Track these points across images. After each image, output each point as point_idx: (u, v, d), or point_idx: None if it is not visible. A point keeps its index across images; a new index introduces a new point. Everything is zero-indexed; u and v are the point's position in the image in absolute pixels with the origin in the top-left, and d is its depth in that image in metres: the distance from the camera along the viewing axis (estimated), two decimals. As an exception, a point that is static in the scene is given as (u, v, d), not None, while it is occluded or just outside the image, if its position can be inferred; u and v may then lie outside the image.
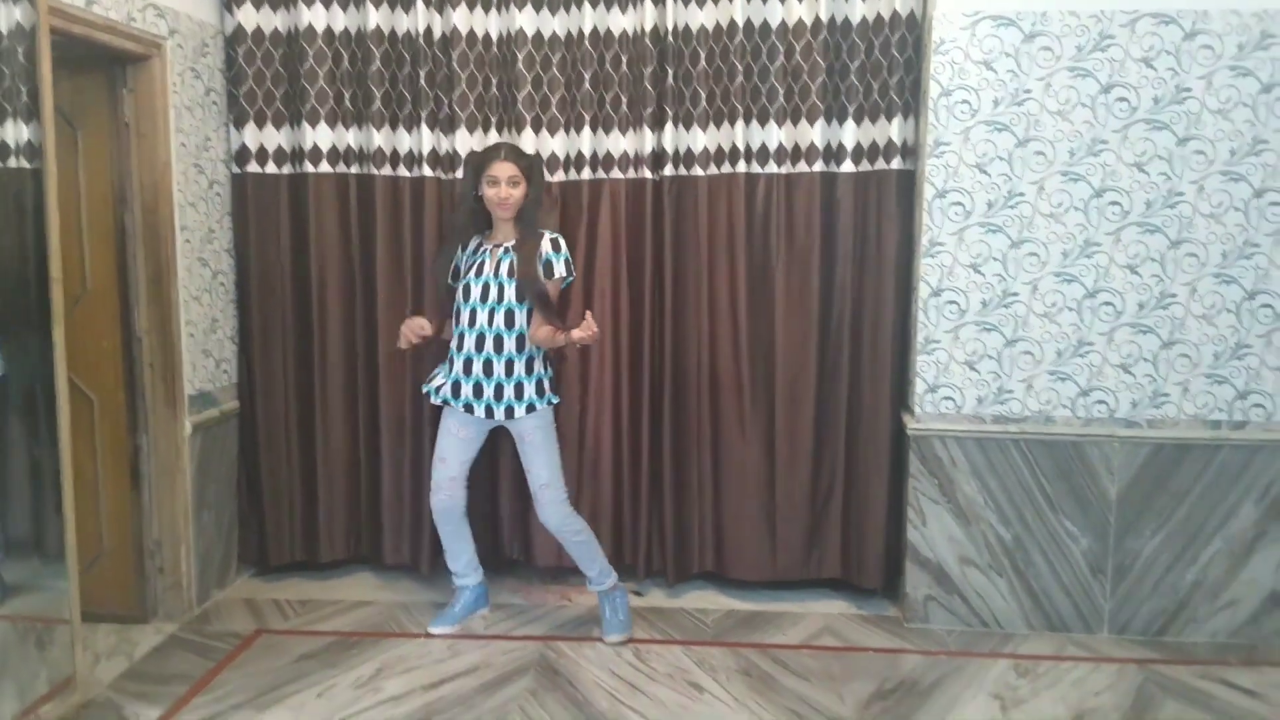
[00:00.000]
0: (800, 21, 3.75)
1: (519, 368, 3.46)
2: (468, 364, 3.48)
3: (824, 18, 3.74)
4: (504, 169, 3.40)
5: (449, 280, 3.58)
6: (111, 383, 3.62)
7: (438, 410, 3.97)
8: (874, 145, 3.77)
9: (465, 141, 3.91)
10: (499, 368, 3.45)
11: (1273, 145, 3.45)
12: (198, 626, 3.72)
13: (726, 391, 3.95)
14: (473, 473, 3.68)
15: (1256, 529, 3.58)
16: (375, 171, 3.98)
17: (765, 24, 3.78)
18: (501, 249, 3.48)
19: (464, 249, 3.58)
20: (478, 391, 3.48)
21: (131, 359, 3.64)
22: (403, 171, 3.98)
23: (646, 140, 3.86)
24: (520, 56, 3.87)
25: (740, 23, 3.78)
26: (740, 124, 3.83)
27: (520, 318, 3.45)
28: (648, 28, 3.80)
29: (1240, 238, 3.50)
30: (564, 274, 3.46)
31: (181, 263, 3.68)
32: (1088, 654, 3.55)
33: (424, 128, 3.92)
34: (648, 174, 3.88)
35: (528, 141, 3.89)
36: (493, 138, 3.94)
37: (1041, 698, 3.23)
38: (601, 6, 3.85)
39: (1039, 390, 3.63)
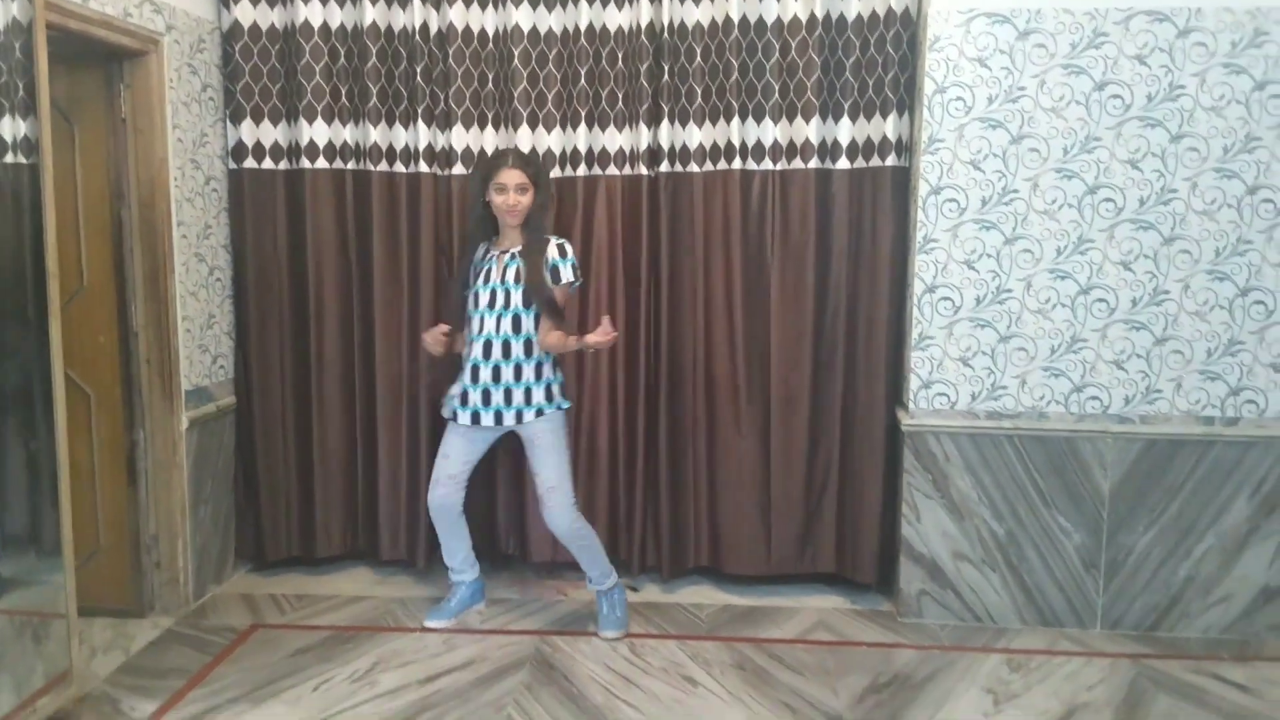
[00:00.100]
0: (795, 18, 3.76)
1: (528, 373, 3.46)
2: (475, 370, 3.48)
3: (819, 14, 3.75)
4: (512, 176, 3.40)
5: (461, 289, 3.60)
6: (108, 378, 3.63)
7: (433, 404, 3.99)
8: (869, 142, 3.79)
9: (461, 138, 3.93)
10: (507, 373, 3.45)
11: (1266, 142, 3.46)
12: (194, 621, 3.73)
13: (722, 387, 3.96)
14: (473, 471, 3.69)
15: (1249, 524, 3.59)
16: (371, 167, 3.99)
17: (761, 20, 3.79)
18: (508, 255, 3.48)
19: (472, 256, 3.58)
20: (486, 398, 3.47)
21: (128, 354, 3.65)
22: (399, 168, 3.99)
23: (642, 137, 3.87)
24: (516, 53, 3.88)
25: (736, 19, 3.79)
26: (736, 121, 3.84)
27: (527, 323, 3.45)
28: (643, 24, 3.81)
29: (1233, 234, 3.52)
30: (571, 279, 3.47)
31: (178, 258, 3.69)
32: (1080, 649, 3.56)
33: (420, 124, 3.93)
34: (643, 170, 3.90)
35: (524, 138, 3.90)
36: (489, 134, 3.95)
37: (1034, 692, 3.24)
38: (598, 3, 3.86)
39: (1032, 386, 3.65)
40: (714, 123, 3.87)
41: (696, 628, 3.73)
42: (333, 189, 4.03)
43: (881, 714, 3.09)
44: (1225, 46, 3.44)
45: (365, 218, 4.04)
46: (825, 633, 3.70)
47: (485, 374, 3.46)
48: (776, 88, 3.81)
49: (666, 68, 3.84)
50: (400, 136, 3.98)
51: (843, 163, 3.80)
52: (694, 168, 3.88)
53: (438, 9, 3.88)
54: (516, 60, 3.88)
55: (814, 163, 3.82)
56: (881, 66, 3.73)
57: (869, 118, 3.77)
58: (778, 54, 3.79)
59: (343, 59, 3.97)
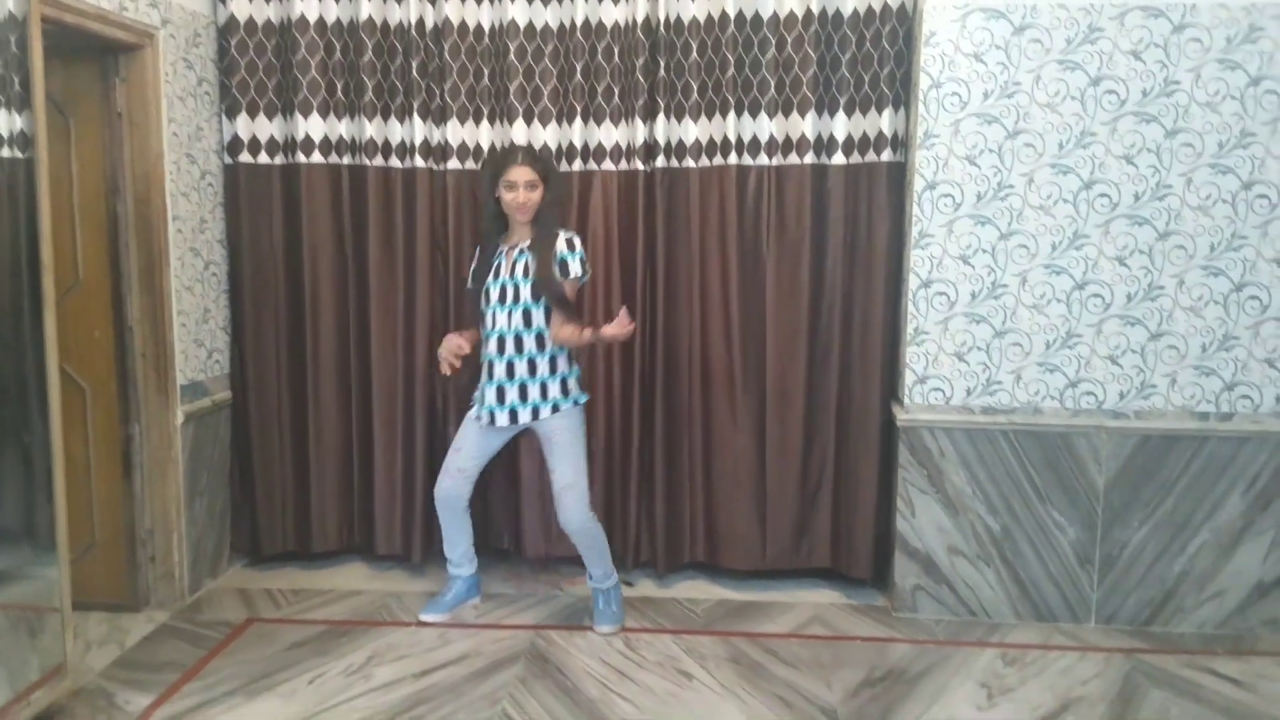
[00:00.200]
0: (791, 13, 3.76)
1: (542, 367, 3.46)
2: (491, 367, 3.49)
3: (815, 10, 3.75)
4: (521, 173, 3.40)
5: (469, 284, 3.61)
6: (104, 372, 3.63)
7: (429, 399, 4.00)
8: (864, 137, 3.79)
9: (457, 133, 3.93)
10: (521, 368, 3.45)
11: (1260, 138, 3.47)
12: (189, 615, 3.74)
13: (717, 382, 3.97)
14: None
15: (1244, 520, 3.60)
16: (367, 162, 3.99)
17: (757, 16, 3.79)
18: (517, 250, 3.48)
19: (488, 254, 3.57)
20: (501, 396, 3.47)
21: (124, 349, 3.64)
22: (394, 162, 3.99)
23: (638, 132, 3.87)
24: (512, 48, 3.88)
25: (732, 15, 3.79)
26: (732, 116, 3.84)
27: (538, 317, 3.44)
28: (639, 19, 3.82)
29: (1228, 230, 3.52)
30: (579, 273, 3.46)
31: (174, 253, 3.69)
32: (1075, 644, 3.57)
33: (416, 119, 3.93)
34: (639, 165, 3.90)
35: (519, 133, 3.90)
36: (484, 129, 3.95)
37: (1028, 686, 3.25)
38: (594, -2, 3.87)
39: (1027, 381, 3.65)
40: (710, 118, 3.88)
41: (692, 622, 3.74)
42: (328, 184, 4.03)
43: (876, 708, 3.10)
44: (1220, 42, 3.44)
45: (361, 212, 4.03)
46: (820, 627, 3.70)
47: (500, 370, 3.46)
48: (772, 83, 3.81)
49: (662, 63, 3.84)
50: (396, 131, 3.98)
51: (838, 158, 3.80)
52: (690, 163, 3.89)
53: (433, 4, 3.88)
54: (512, 55, 3.88)
55: (810, 158, 3.82)
56: (877, 62, 3.73)
57: (865, 113, 3.78)
58: (774, 49, 3.79)
59: (338, 53, 3.97)
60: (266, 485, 4.14)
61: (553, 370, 3.47)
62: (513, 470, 4.04)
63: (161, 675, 3.26)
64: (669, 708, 3.09)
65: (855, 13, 3.73)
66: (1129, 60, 3.48)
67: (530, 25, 3.89)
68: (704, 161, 3.89)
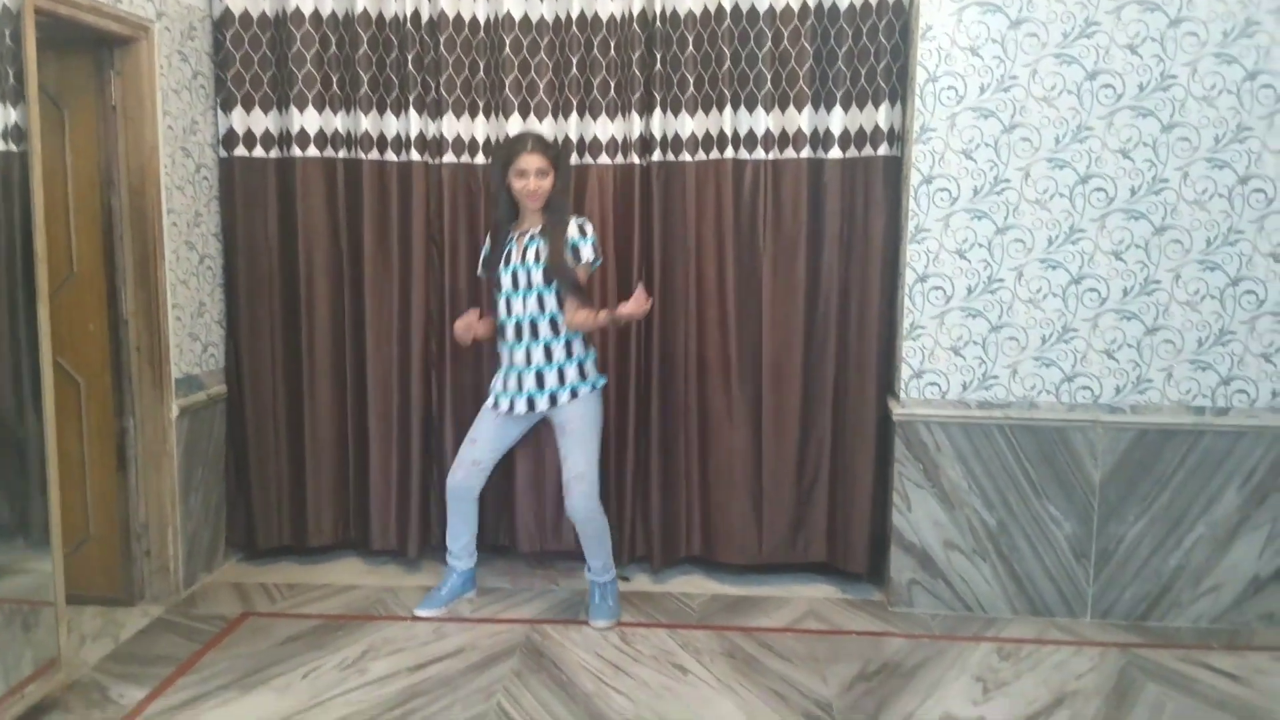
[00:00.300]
0: (788, 7, 3.76)
1: (558, 352, 3.47)
2: (505, 355, 3.51)
3: (811, 3, 3.75)
4: (532, 161, 3.40)
5: (480, 272, 3.63)
6: (98, 365, 3.62)
7: (424, 393, 3.99)
8: (861, 131, 3.78)
9: (452, 126, 3.92)
10: (537, 354, 3.46)
11: (1257, 132, 3.46)
12: (184, 609, 3.73)
13: (714, 376, 3.96)
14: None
15: (1239, 514, 3.60)
16: (363, 156, 3.98)
17: (753, 9, 3.79)
18: (527, 235, 3.49)
19: (501, 242, 3.56)
20: (519, 384, 3.48)
21: (118, 342, 3.64)
22: (390, 156, 3.99)
23: (634, 126, 3.87)
24: (508, 41, 3.87)
25: (728, 8, 3.78)
26: (728, 110, 3.83)
27: (550, 302, 3.45)
28: (635, 13, 3.81)
29: (1224, 224, 3.52)
30: (591, 258, 3.47)
31: (168, 246, 3.68)
32: (1070, 638, 3.57)
33: (412, 112, 3.92)
34: (635, 159, 3.89)
35: (515, 127, 3.89)
36: (480, 122, 3.94)
37: (1024, 680, 3.25)
38: (590, -9, 3.86)
39: (1023, 376, 3.65)
40: (706, 112, 3.87)
41: (687, 617, 3.73)
42: (323, 177, 4.02)
43: (870, 701, 3.09)
44: (1217, 36, 3.44)
45: (356, 206, 4.03)
46: (816, 621, 3.70)
47: (519, 357, 3.48)
48: (769, 77, 3.80)
49: (659, 56, 3.83)
50: (391, 125, 3.97)
51: (835, 152, 3.80)
52: (686, 157, 3.88)
53: (429, -3, 3.88)
54: (508, 48, 3.88)
55: (806, 152, 3.82)
56: (874, 55, 3.73)
57: (861, 107, 3.77)
58: (770, 43, 3.79)
59: (334, 47, 3.96)
60: (262, 480, 4.13)
61: (569, 354, 3.48)
62: (508, 466, 4.03)
63: (155, 669, 3.25)
64: (664, 702, 3.08)
65: (851, 6, 3.72)
66: (1125, 54, 3.48)
67: (526, 18, 3.88)
68: (700, 156, 3.88)
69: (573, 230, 3.45)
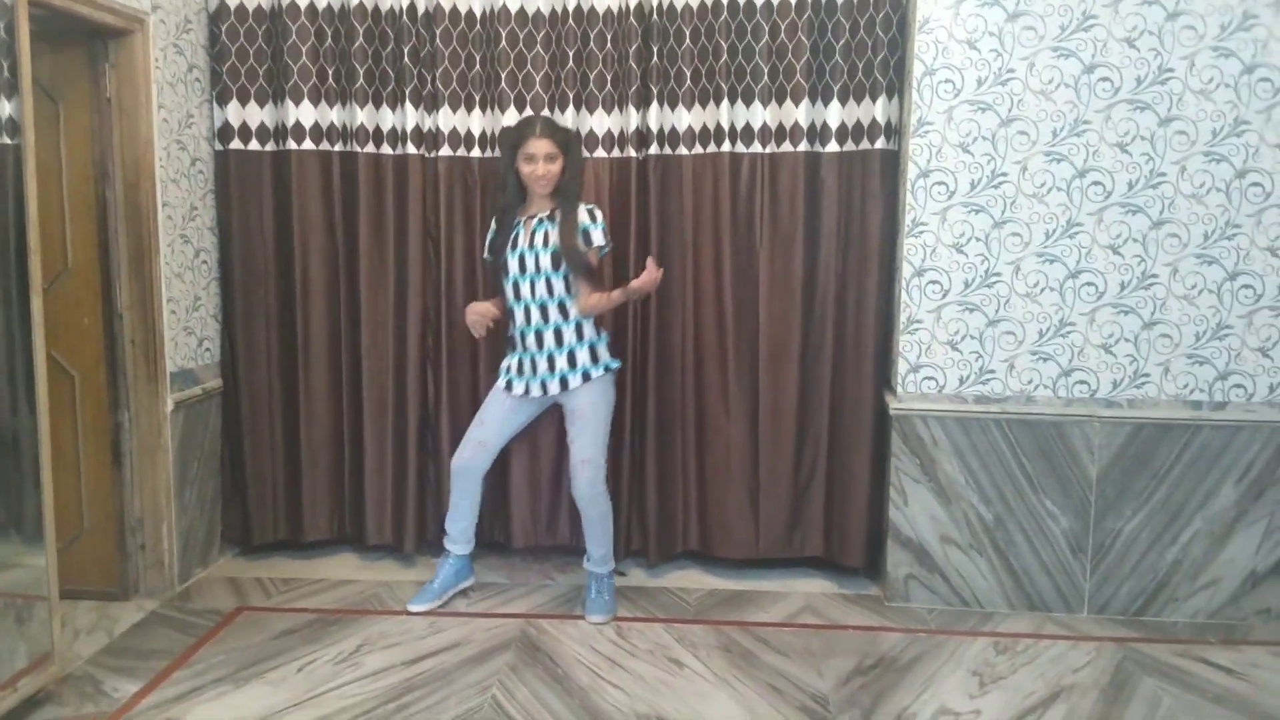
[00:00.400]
0: (785, 0, 3.74)
1: (569, 335, 3.47)
2: (516, 339, 3.52)
3: (808, -3, 3.74)
4: (540, 145, 3.40)
5: (485, 256, 3.64)
6: (93, 359, 3.61)
7: (420, 388, 3.99)
8: (858, 125, 3.77)
9: (448, 119, 3.91)
10: (549, 338, 3.47)
11: (1254, 126, 3.46)
12: (179, 604, 3.72)
13: (710, 371, 3.95)
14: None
15: (1237, 509, 3.59)
16: (358, 149, 3.97)
17: (750, 2, 3.77)
18: (535, 220, 3.48)
19: (508, 228, 3.55)
20: (532, 367, 3.49)
21: (113, 336, 3.62)
22: (386, 149, 3.97)
23: (631, 119, 3.86)
24: (504, 34, 3.86)
25: (725, 1, 3.77)
26: (725, 103, 3.82)
27: (559, 286, 3.45)
28: (632, 6, 3.80)
29: (1222, 218, 3.51)
30: (602, 243, 3.47)
31: (164, 240, 3.66)
32: (1067, 633, 3.56)
33: (408, 105, 3.91)
34: (632, 153, 3.88)
35: (510, 120, 3.87)
36: (476, 115, 3.93)
37: (1020, 674, 3.24)
38: (586, -16, 3.84)
39: (1020, 370, 3.64)
40: (703, 105, 3.86)
41: (683, 611, 3.73)
42: (319, 171, 4.01)
43: (867, 696, 3.09)
44: (1214, 30, 3.43)
45: (352, 199, 4.01)
46: (812, 616, 3.69)
47: (530, 341, 3.49)
48: (766, 70, 3.79)
49: (655, 50, 3.82)
50: (387, 118, 3.96)
51: (832, 146, 3.79)
52: (683, 150, 3.87)
53: (425, -11, 3.86)
54: (504, 41, 3.86)
55: (803, 146, 3.81)
56: (871, 49, 3.72)
57: (858, 100, 3.76)
58: (767, 36, 3.77)
59: (330, 40, 3.95)
60: (257, 474, 4.12)
61: (580, 337, 3.49)
62: (502, 463, 4.02)
63: (150, 663, 3.24)
64: (660, 695, 3.08)
65: (849, 0, 3.71)
66: (1123, 47, 3.47)
67: (522, 11, 3.87)
68: (697, 149, 3.87)
69: (583, 215, 3.45)
